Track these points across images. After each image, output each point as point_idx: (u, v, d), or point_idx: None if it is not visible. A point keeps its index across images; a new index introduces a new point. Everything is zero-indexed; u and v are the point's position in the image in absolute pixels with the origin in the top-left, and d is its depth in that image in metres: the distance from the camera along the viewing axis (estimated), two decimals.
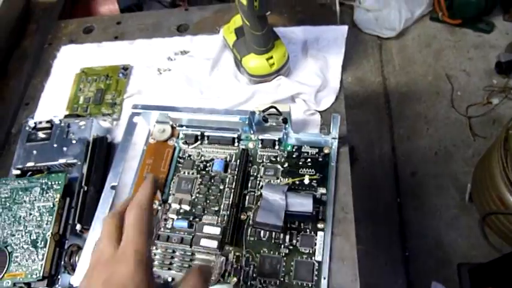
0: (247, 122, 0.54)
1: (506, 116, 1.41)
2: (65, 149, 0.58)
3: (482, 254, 1.19)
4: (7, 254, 0.49)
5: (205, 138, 0.59)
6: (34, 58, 0.77)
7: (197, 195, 0.55)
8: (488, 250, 1.19)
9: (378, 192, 1.34)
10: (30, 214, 0.51)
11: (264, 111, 0.52)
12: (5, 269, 0.48)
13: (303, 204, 0.49)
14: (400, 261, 1.23)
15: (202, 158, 0.58)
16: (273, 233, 0.51)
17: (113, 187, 0.52)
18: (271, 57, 0.59)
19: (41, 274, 0.47)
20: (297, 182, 0.54)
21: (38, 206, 0.52)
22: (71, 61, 0.74)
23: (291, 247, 0.50)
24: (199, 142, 0.59)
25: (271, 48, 0.59)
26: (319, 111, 0.60)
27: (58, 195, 0.52)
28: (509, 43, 1.55)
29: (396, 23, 1.57)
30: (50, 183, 0.53)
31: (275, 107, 0.51)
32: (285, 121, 0.54)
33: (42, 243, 0.49)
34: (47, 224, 0.50)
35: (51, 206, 0.51)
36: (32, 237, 0.50)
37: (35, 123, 0.61)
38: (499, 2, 1.57)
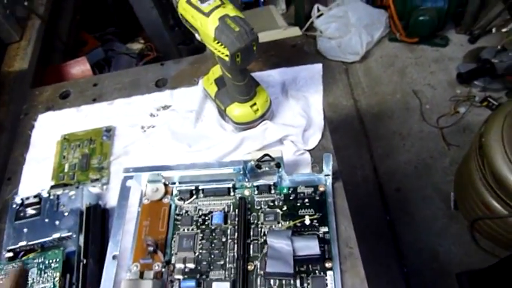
0: (241, 172, 0.55)
1: (474, 123, 1.47)
2: (57, 222, 0.56)
3: (477, 259, 1.21)
4: None
5: (201, 191, 0.58)
6: (11, 130, 0.75)
7: (200, 251, 0.54)
8: (482, 255, 1.21)
9: (367, 212, 1.36)
10: None
11: (258, 160, 0.52)
12: None
13: (309, 246, 0.49)
14: (400, 278, 1.24)
15: (200, 212, 0.57)
16: (283, 280, 0.51)
17: (114, 257, 0.51)
18: (255, 104, 0.61)
19: None
20: (298, 224, 0.54)
21: None
22: (50, 129, 0.73)
23: None
24: (194, 197, 0.58)
25: (253, 96, 0.60)
26: (308, 150, 0.61)
27: (58, 274, 0.50)
28: (465, 54, 1.65)
29: (358, 47, 1.64)
30: (47, 262, 0.51)
31: (268, 155, 0.52)
32: (278, 165, 0.55)
33: None
34: None
35: (52, 286, 0.49)
36: None
37: (21, 199, 0.59)
38: (450, 17, 1.66)
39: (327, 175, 0.57)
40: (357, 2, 1.71)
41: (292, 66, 0.70)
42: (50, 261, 0.51)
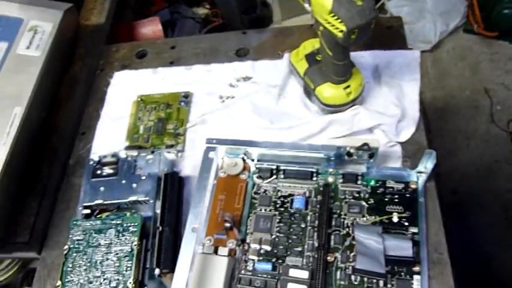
0: (332, 158, 0.51)
1: None
2: (134, 185, 0.55)
3: None
4: None
5: (281, 172, 0.56)
6: (85, 84, 0.75)
7: (278, 234, 0.52)
8: None
9: None
10: (107, 259, 0.49)
11: (358, 148, 0.49)
12: None
13: (401, 247, 0.46)
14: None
15: (279, 194, 0.55)
16: (365, 277, 0.48)
17: (193, 229, 0.50)
18: (349, 86, 0.56)
19: None
20: (385, 221, 0.51)
21: (115, 250, 0.49)
22: (125, 88, 0.72)
23: None
24: (274, 176, 0.56)
25: (349, 78, 0.56)
26: (399, 143, 0.57)
27: (136, 238, 0.49)
28: None
29: (431, 35, 1.54)
30: (125, 225, 0.50)
31: (367, 144, 0.48)
32: (371, 156, 0.51)
33: None
34: (126, 270, 0.47)
35: (129, 250, 0.49)
36: (111, 285, 0.47)
37: (99, 157, 0.58)
38: None
39: (420, 172, 0.52)
40: None
41: (386, 50, 0.65)
42: (129, 224, 0.50)
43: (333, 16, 0.44)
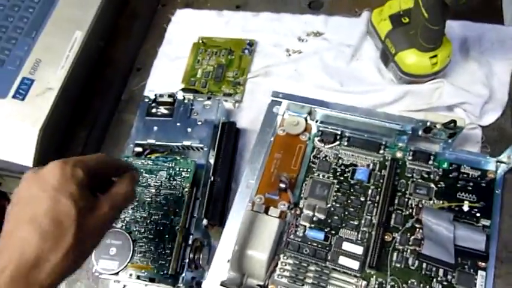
0: (409, 131, 0.47)
1: None
2: (189, 129, 0.52)
3: None
4: (130, 241, 0.45)
5: (345, 139, 0.52)
6: (145, 19, 0.71)
7: (334, 203, 0.48)
8: None
9: None
10: (156, 201, 0.47)
11: (445, 125, 0.44)
12: (129, 259, 0.44)
13: (474, 239, 0.42)
14: None
15: (341, 162, 0.51)
16: (424, 263, 0.44)
17: (249, 185, 0.47)
18: (435, 56, 0.51)
19: (169, 272, 0.43)
20: (454, 208, 0.46)
21: (165, 194, 0.47)
22: (187, 27, 0.68)
23: (445, 283, 0.43)
24: (337, 142, 0.52)
25: (438, 46, 0.50)
26: (480, 126, 0.52)
27: (188, 185, 0.47)
28: None
29: None
30: (178, 169, 0.48)
31: (455, 121, 0.43)
32: (451, 135, 0.46)
33: (170, 236, 0.45)
34: (175, 215, 0.45)
35: (179, 195, 0.47)
36: (158, 228, 0.45)
37: (155, 95, 0.56)
38: None
39: (501, 162, 0.47)
40: None
41: (478, 22, 0.58)
42: (181, 169, 0.48)
43: None
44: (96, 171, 0.35)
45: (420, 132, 0.48)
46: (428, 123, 0.45)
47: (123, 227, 0.46)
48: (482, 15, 0.59)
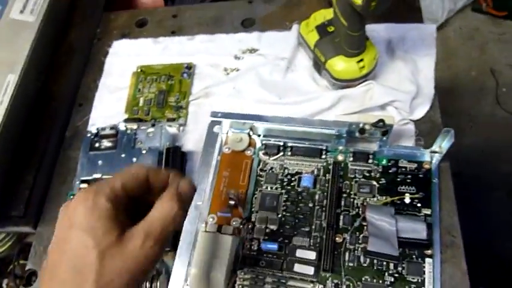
0: (344, 135, 0.49)
1: None
2: (134, 159, 0.52)
3: None
4: None
5: (288, 149, 0.53)
6: (83, 53, 0.71)
7: (284, 213, 0.50)
8: None
9: None
10: None
11: (373, 125, 0.46)
12: None
13: (415, 229, 0.44)
14: None
15: (286, 171, 0.52)
16: (375, 259, 0.46)
17: (197, 207, 0.47)
18: (362, 60, 0.53)
19: None
20: (397, 202, 0.49)
21: None
22: (125, 58, 0.68)
23: (396, 275, 0.45)
24: (281, 153, 0.53)
25: (363, 51, 0.53)
26: (412, 121, 0.54)
27: None
28: None
29: (439, 13, 1.49)
30: None
31: (383, 120, 0.46)
32: (384, 133, 0.49)
33: None
34: None
35: None
36: None
37: (97, 129, 0.56)
38: None
39: (434, 152, 0.50)
40: None
41: (400, 23, 0.62)
42: None
43: None
44: (130, 192, 0.31)
45: (357, 134, 0.50)
46: (360, 125, 0.48)
47: None
48: (404, 16, 0.63)
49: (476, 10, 1.59)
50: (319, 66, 0.58)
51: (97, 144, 0.54)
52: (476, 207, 1.24)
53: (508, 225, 1.21)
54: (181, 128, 0.60)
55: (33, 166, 0.60)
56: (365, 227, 0.47)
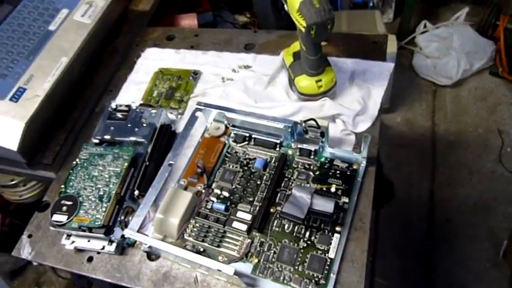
0: (289, 131, 0.63)
1: None
2: (136, 129, 0.69)
3: None
4: (78, 202, 0.60)
5: (252, 139, 0.68)
6: (123, 54, 0.91)
7: (237, 185, 0.64)
8: None
9: (410, 231, 1.36)
10: (101, 175, 0.63)
11: (305, 121, 0.60)
12: (75, 214, 0.59)
13: (325, 205, 0.56)
14: None
15: (247, 156, 0.67)
16: (296, 227, 0.58)
17: (170, 164, 0.63)
18: (320, 80, 0.68)
19: (102, 223, 0.58)
20: (324, 189, 0.61)
21: (108, 170, 0.63)
22: (152, 61, 0.87)
23: (309, 242, 0.57)
24: (246, 142, 0.68)
25: (321, 72, 0.68)
26: (355, 133, 0.68)
27: (126, 164, 0.63)
28: None
29: (454, 72, 1.60)
30: (120, 153, 0.65)
31: (315, 120, 0.60)
32: (322, 135, 0.62)
33: (107, 199, 0.60)
34: (113, 184, 0.61)
35: (119, 171, 0.63)
36: (99, 193, 0.61)
37: (116, 105, 0.73)
38: None
39: (364, 157, 0.63)
40: (466, 27, 1.67)
41: (367, 60, 0.76)
42: (123, 153, 0.65)
43: (299, 14, 0.56)
44: None
45: (304, 133, 0.64)
46: (303, 124, 0.62)
47: (75, 192, 0.62)
48: (372, 55, 0.77)
49: (493, 74, 1.68)
50: (290, 82, 0.73)
51: (113, 115, 0.72)
52: (459, 252, 1.29)
53: (486, 272, 1.25)
54: (179, 116, 0.76)
55: (66, 128, 0.79)
56: None
